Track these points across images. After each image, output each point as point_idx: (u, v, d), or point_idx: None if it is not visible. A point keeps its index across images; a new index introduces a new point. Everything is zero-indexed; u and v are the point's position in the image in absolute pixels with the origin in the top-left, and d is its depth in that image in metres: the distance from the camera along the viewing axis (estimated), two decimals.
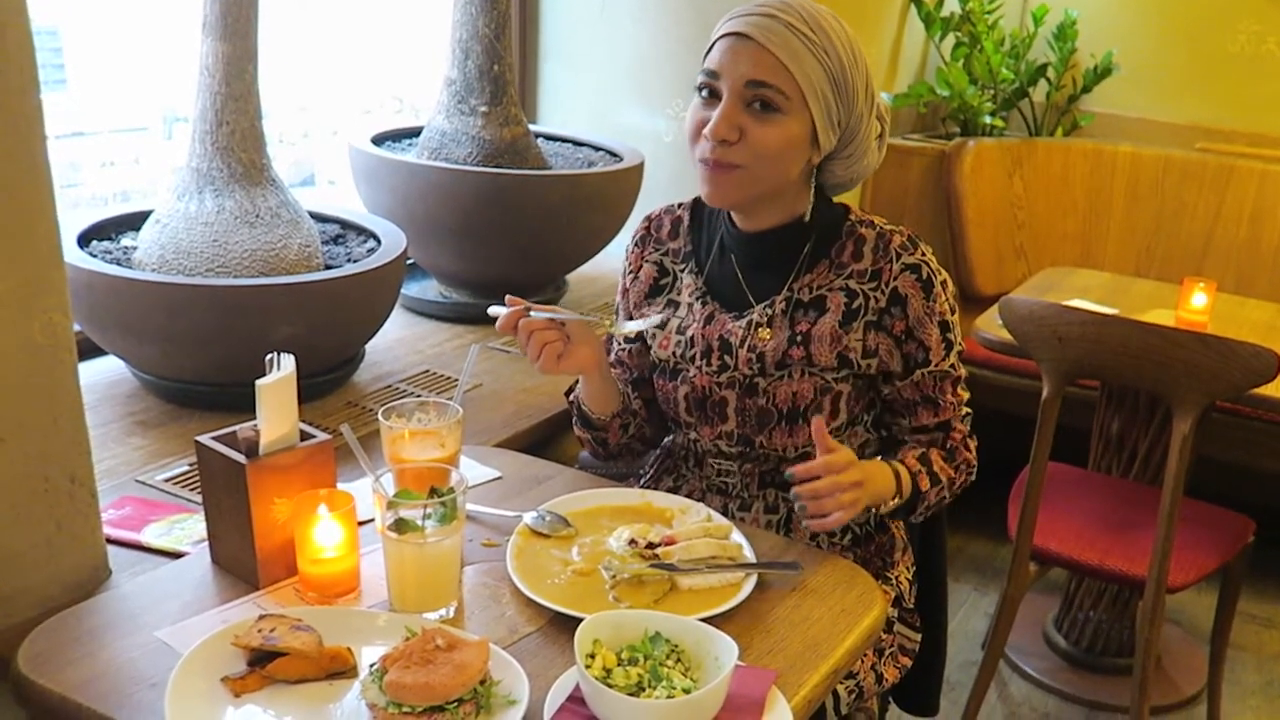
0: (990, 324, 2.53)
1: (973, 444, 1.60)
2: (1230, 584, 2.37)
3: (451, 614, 1.26)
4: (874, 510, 1.53)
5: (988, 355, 2.71)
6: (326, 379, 2.04)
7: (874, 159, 1.53)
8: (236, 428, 1.29)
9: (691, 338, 1.58)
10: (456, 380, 2.17)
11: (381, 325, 2.10)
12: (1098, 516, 2.34)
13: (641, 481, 1.73)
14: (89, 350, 2.01)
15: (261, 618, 1.16)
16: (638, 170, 2.57)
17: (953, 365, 1.55)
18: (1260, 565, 2.42)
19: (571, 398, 1.69)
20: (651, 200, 2.61)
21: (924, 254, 1.51)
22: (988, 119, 3.58)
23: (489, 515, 1.47)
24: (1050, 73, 3.68)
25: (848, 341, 1.50)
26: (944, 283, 1.52)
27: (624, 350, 1.69)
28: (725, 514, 1.61)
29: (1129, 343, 2.03)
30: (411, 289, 2.57)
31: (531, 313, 1.48)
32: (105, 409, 1.93)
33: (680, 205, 1.67)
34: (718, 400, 1.57)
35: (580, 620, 1.15)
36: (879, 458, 1.54)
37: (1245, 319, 2.67)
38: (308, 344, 1.91)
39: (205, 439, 1.30)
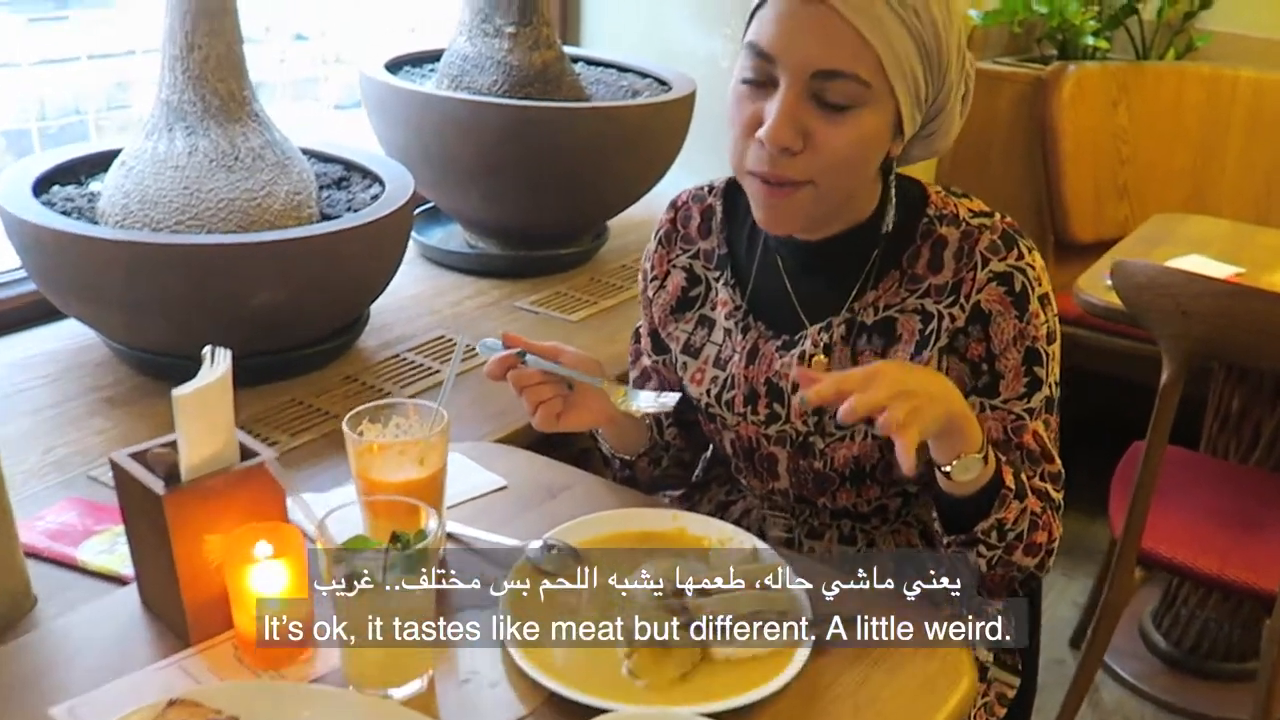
0: (1095, 284, 2.19)
1: (1056, 521, 1.17)
2: None
3: (424, 687, 1.00)
4: (942, 468, 1.09)
5: (1081, 313, 2.36)
6: (320, 350, 1.78)
7: (956, 128, 1.17)
8: (149, 445, 1.03)
9: (731, 377, 1.26)
10: (474, 350, 1.90)
11: (385, 287, 1.82)
12: (1213, 511, 2.01)
13: (686, 490, 1.44)
14: (54, 312, 1.77)
15: (171, 704, 0.90)
16: (687, 102, 2.24)
17: (1030, 410, 1.16)
18: None
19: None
20: (703, 137, 2.30)
21: (1020, 257, 1.14)
22: (1090, 40, 3.19)
23: (486, 542, 1.20)
24: None
25: None
26: (1043, 298, 1.15)
27: (657, 362, 1.38)
28: (791, 543, 1.32)
29: (1271, 320, 1.69)
30: (433, 237, 2.29)
31: (527, 358, 1.19)
32: (69, 382, 1.69)
33: (712, 190, 1.31)
34: (766, 455, 1.27)
35: (586, 707, 0.91)
36: None
37: None
38: (296, 310, 1.66)
39: (120, 456, 1.04)
